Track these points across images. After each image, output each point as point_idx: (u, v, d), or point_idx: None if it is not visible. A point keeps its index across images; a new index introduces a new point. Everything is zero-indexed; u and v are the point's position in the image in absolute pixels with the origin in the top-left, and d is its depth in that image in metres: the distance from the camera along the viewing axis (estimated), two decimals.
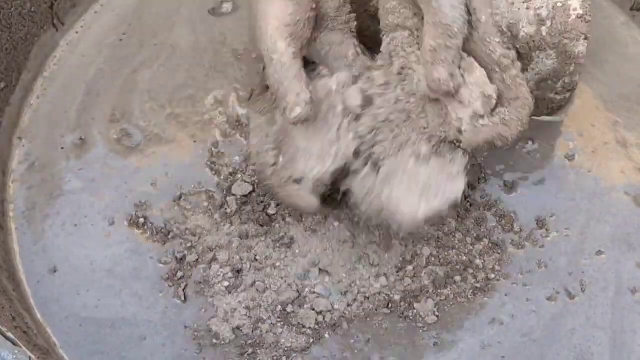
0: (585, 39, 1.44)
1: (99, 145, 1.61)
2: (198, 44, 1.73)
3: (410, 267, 1.47)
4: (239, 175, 1.55)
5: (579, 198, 1.57)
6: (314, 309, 1.44)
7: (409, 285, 1.46)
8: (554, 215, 1.55)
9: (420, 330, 1.44)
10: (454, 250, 1.49)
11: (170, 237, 1.51)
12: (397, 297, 1.45)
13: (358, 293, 1.46)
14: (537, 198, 1.56)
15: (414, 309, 1.45)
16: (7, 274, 1.46)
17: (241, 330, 1.42)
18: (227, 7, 1.77)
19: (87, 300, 1.46)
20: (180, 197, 1.54)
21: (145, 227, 1.52)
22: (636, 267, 1.50)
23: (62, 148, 1.60)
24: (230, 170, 1.56)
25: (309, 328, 1.43)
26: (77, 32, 1.74)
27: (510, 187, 1.56)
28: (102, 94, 1.66)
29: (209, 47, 1.72)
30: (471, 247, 1.50)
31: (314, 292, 1.45)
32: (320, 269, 1.47)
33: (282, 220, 1.51)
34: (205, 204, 1.54)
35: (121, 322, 1.44)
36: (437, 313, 1.44)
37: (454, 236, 1.50)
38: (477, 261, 1.49)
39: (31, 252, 1.50)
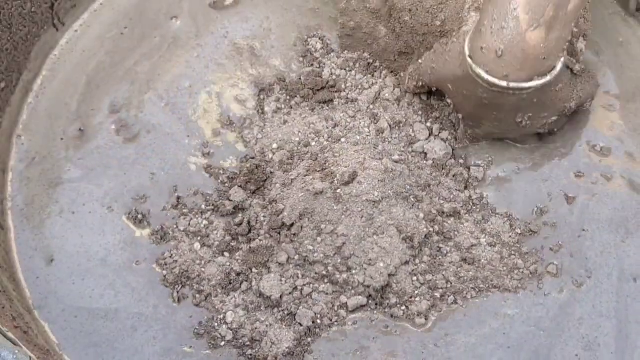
0: (584, 36, 1.47)
1: (98, 136, 1.62)
2: (199, 37, 1.73)
3: (408, 268, 1.47)
4: (236, 181, 1.55)
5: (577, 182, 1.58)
6: (311, 310, 1.44)
7: (404, 288, 1.46)
8: (552, 198, 1.56)
9: (419, 330, 1.45)
10: (451, 251, 1.50)
11: (166, 239, 1.52)
12: (394, 300, 1.46)
13: (355, 294, 1.46)
14: (534, 185, 1.58)
15: (409, 309, 1.45)
16: (8, 274, 1.47)
17: (239, 331, 1.43)
18: (229, 0, 1.78)
19: (82, 290, 1.47)
20: (177, 199, 1.55)
21: (142, 224, 1.53)
22: (636, 254, 1.51)
23: (62, 139, 1.61)
24: (228, 175, 1.57)
25: (307, 328, 1.43)
26: (76, 31, 1.74)
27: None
28: (102, 86, 1.67)
29: (210, 39, 1.73)
30: (471, 243, 1.51)
31: (311, 294, 1.46)
32: (318, 271, 1.47)
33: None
34: (203, 206, 1.54)
35: (114, 313, 1.46)
36: (434, 313, 1.45)
37: (450, 236, 1.51)
38: (476, 257, 1.49)
39: (30, 248, 1.51)
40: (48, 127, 1.63)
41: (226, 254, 1.49)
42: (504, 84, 1.36)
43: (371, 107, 1.62)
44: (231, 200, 1.52)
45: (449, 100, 1.54)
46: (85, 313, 1.45)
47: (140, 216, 1.53)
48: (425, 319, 1.44)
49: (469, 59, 1.39)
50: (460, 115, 1.55)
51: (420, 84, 1.56)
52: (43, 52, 1.69)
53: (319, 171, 1.50)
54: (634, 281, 1.48)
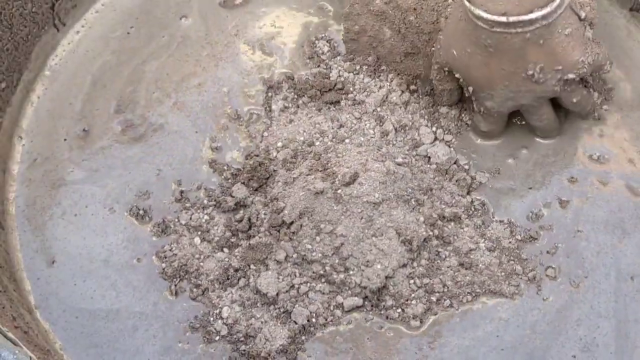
0: (591, 25, 1.46)
1: (102, 136, 1.62)
2: (209, 36, 1.74)
3: (405, 271, 1.46)
4: (239, 177, 1.55)
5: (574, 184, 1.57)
6: (307, 308, 1.45)
7: (400, 290, 1.45)
8: (549, 202, 1.54)
9: (413, 333, 1.44)
10: (450, 256, 1.49)
11: (167, 232, 1.52)
12: (390, 302, 1.45)
13: (352, 295, 1.46)
14: (529, 191, 1.56)
15: (405, 312, 1.44)
16: (9, 274, 1.48)
17: (234, 327, 1.43)
18: None
19: (83, 291, 1.48)
20: (180, 193, 1.55)
21: (144, 219, 1.54)
22: (633, 253, 1.49)
23: (65, 139, 1.62)
24: (232, 171, 1.57)
25: (302, 326, 1.43)
26: (77, 32, 1.75)
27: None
28: (108, 85, 1.68)
29: (220, 38, 1.73)
30: (470, 247, 1.49)
31: (308, 293, 1.46)
32: (315, 270, 1.47)
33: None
34: (205, 201, 1.55)
35: (114, 314, 1.47)
36: (429, 316, 1.45)
37: (450, 240, 1.50)
38: (473, 262, 1.48)
39: (31, 249, 1.52)
40: (51, 127, 1.64)
41: (225, 249, 1.50)
42: (503, 19, 1.35)
43: (378, 109, 1.61)
44: (233, 197, 1.53)
45: (457, 75, 1.52)
46: (86, 314, 1.47)
47: (142, 211, 1.54)
48: (421, 322, 1.44)
49: (467, 3, 1.38)
50: (471, 89, 1.52)
51: (437, 66, 1.54)
52: (44, 52, 1.70)
53: (320, 171, 1.50)
54: (631, 280, 1.47)
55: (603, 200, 1.53)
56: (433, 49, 1.54)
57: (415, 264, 1.46)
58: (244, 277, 1.47)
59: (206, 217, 1.52)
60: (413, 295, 1.45)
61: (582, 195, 1.53)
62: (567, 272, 1.47)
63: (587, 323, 1.43)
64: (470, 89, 1.51)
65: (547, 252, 1.48)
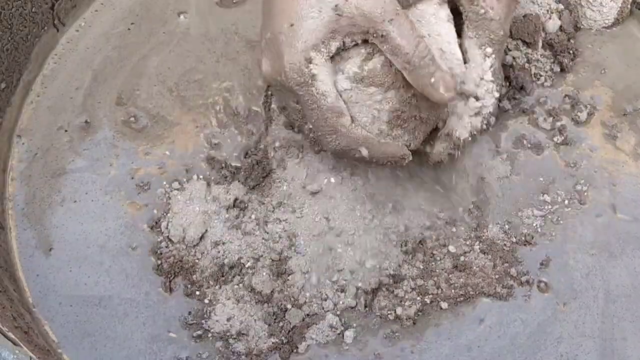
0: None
1: (105, 127, 1.63)
2: (209, 33, 1.75)
3: (400, 272, 1.47)
4: (237, 175, 1.56)
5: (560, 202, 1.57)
6: (301, 308, 1.45)
7: (394, 291, 1.46)
8: (536, 221, 1.54)
9: (401, 334, 1.44)
10: (445, 258, 1.50)
11: (163, 227, 1.52)
12: (383, 303, 1.46)
13: (344, 296, 1.46)
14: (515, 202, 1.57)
15: (398, 313, 1.45)
16: (8, 274, 1.47)
17: (227, 323, 1.44)
18: None
19: (78, 277, 1.49)
20: (178, 190, 1.55)
21: (143, 211, 1.54)
22: (621, 274, 1.49)
23: (66, 131, 1.62)
24: (230, 168, 1.58)
25: (295, 326, 1.44)
26: (77, 31, 1.76)
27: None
28: (109, 79, 1.68)
29: (220, 35, 1.74)
30: (464, 250, 1.50)
31: (301, 291, 1.46)
32: (309, 271, 1.47)
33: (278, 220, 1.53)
34: (202, 197, 1.54)
35: (107, 300, 1.47)
36: (418, 317, 1.45)
37: (445, 243, 1.51)
38: (467, 264, 1.49)
39: (30, 246, 1.52)
40: (51, 121, 1.63)
41: (220, 246, 1.50)
42: None
43: None
44: (230, 194, 1.53)
45: None
46: (79, 301, 1.47)
47: (141, 203, 1.54)
48: (413, 323, 1.45)
49: None
50: None
51: None
52: (43, 52, 1.70)
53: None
54: (620, 300, 1.47)
55: (588, 220, 1.53)
56: None
57: (409, 266, 1.47)
58: (239, 274, 1.47)
59: (202, 214, 1.51)
60: (407, 296, 1.45)
61: (566, 206, 1.54)
62: (556, 290, 1.47)
63: (569, 341, 1.43)
64: None
65: (542, 263, 1.49)
